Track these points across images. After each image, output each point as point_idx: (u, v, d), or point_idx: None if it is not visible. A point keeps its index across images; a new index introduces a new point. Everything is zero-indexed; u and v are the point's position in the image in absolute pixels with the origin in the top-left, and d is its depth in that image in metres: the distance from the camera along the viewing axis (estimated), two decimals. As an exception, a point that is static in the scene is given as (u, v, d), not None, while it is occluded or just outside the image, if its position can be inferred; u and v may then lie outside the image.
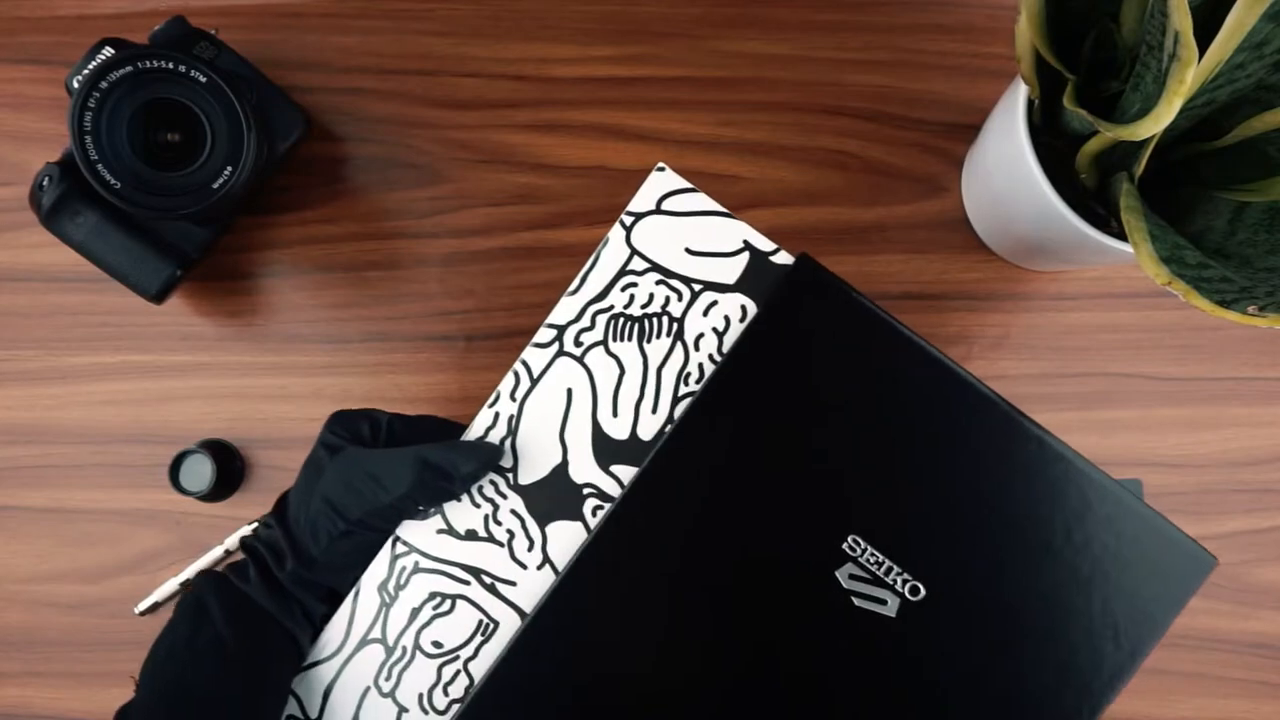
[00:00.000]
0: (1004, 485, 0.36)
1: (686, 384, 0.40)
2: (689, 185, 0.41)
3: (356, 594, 0.41)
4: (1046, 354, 0.55)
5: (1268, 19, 0.33)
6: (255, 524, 0.54)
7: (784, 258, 0.40)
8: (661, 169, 0.41)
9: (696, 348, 0.41)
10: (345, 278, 0.55)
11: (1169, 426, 0.55)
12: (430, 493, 0.39)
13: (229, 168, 0.47)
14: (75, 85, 0.47)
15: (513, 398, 0.41)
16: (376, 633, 0.41)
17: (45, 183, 0.49)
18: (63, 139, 0.48)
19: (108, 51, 0.47)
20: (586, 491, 0.40)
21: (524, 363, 0.41)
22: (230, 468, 0.54)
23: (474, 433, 0.41)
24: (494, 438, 0.41)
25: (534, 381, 0.41)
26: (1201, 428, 0.55)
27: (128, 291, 0.51)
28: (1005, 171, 0.46)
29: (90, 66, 0.46)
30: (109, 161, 0.46)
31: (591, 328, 0.41)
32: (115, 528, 0.55)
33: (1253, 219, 0.41)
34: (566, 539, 0.40)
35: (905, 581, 0.36)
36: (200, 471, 0.53)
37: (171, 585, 0.54)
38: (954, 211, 0.55)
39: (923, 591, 0.36)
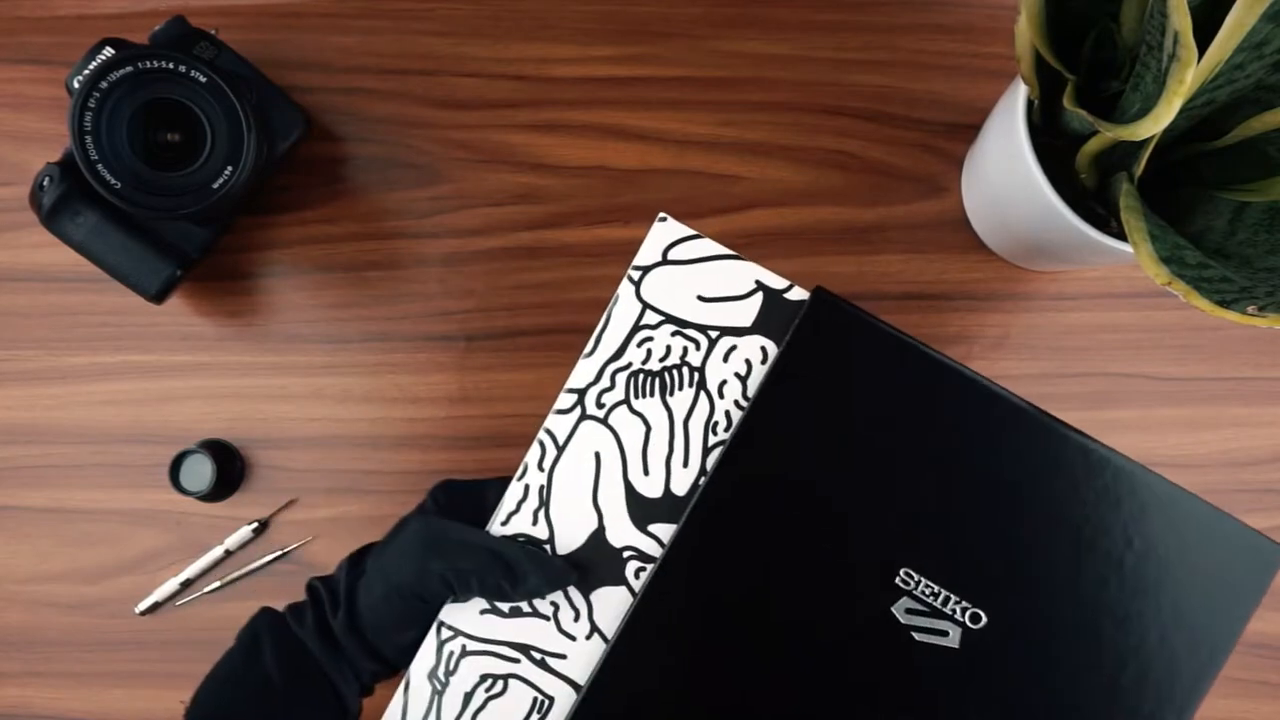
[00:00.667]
0: (1053, 498, 0.35)
1: (715, 433, 0.40)
2: (693, 232, 0.41)
3: (406, 685, 0.40)
4: (1046, 354, 0.55)
5: (1267, 19, 0.33)
6: (255, 523, 0.54)
7: (798, 294, 0.39)
8: (663, 219, 0.41)
9: (721, 395, 0.40)
10: (345, 278, 0.55)
11: (1169, 426, 0.55)
12: (488, 587, 0.39)
13: (229, 168, 0.47)
14: (75, 85, 0.47)
15: (540, 468, 0.40)
16: None
17: (45, 183, 0.49)
18: (63, 139, 0.48)
19: (108, 51, 0.47)
20: (627, 555, 0.40)
21: (548, 431, 0.40)
22: (230, 468, 0.54)
23: (505, 508, 0.40)
24: (526, 510, 0.40)
25: (560, 449, 0.40)
26: (1201, 428, 0.55)
27: (128, 291, 0.51)
28: (1005, 171, 0.46)
29: (90, 66, 0.46)
30: (109, 161, 0.46)
31: (612, 388, 0.40)
32: (115, 528, 0.55)
33: (1253, 219, 0.41)
34: (613, 605, 0.39)
35: (965, 610, 0.35)
36: (200, 471, 0.53)
37: (172, 585, 0.54)
38: (954, 211, 0.55)
39: (984, 618, 0.35)
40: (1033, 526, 0.35)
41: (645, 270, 0.41)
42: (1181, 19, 0.31)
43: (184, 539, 0.55)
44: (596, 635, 0.40)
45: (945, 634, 0.35)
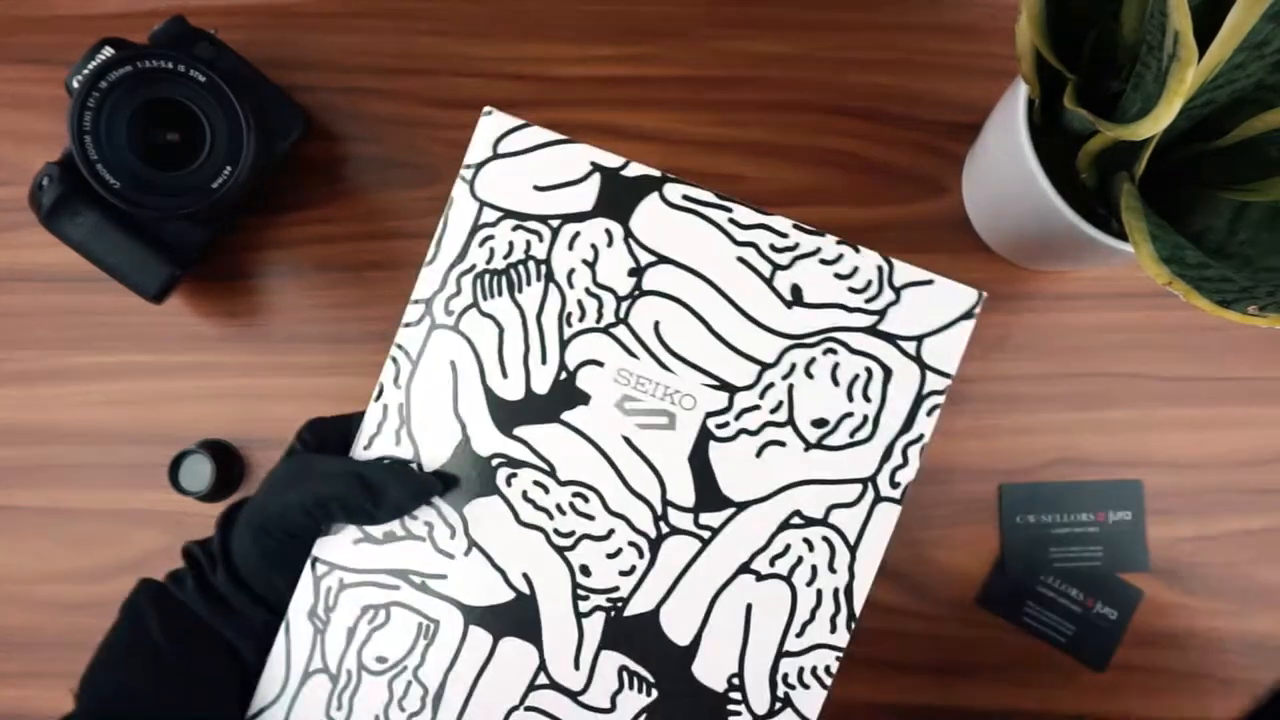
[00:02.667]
0: None
1: (570, 325, 0.39)
2: (521, 122, 0.39)
3: (287, 627, 0.39)
4: (1046, 354, 0.55)
5: (1268, 19, 0.33)
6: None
7: (635, 169, 0.39)
8: (489, 112, 0.39)
9: (571, 284, 0.39)
10: (345, 278, 0.55)
11: (1169, 426, 0.55)
12: (351, 509, 0.38)
13: (229, 167, 0.47)
14: (75, 85, 0.47)
15: (397, 384, 0.39)
16: (317, 662, 0.39)
17: (45, 183, 0.49)
18: (63, 139, 0.48)
19: (107, 51, 0.47)
20: (496, 462, 0.39)
21: (399, 346, 0.39)
22: (230, 468, 0.54)
23: (366, 431, 0.40)
24: (387, 430, 0.39)
25: (414, 362, 0.39)
26: (1201, 428, 0.55)
27: (128, 291, 0.51)
28: (1006, 171, 0.46)
29: (90, 66, 0.46)
30: (109, 161, 0.46)
31: (458, 293, 0.39)
32: (115, 528, 0.55)
33: (1253, 219, 0.41)
34: (487, 517, 0.39)
35: None
36: (200, 471, 0.53)
37: (171, 585, 0.54)
38: (954, 211, 0.55)
39: None
40: None
41: (477, 167, 0.39)
42: (1182, 19, 0.31)
43: (184, 539, 0.54)
44: (475, 550, 0.39)
45: None
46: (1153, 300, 0.55)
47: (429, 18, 0.56)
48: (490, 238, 0.39)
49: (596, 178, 0.39)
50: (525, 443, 0.39)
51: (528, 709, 0.39)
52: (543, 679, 0.39)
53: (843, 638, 0.38)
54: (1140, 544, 0.54)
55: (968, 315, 0.38)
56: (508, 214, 0.39)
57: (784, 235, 0.39)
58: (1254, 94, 0.39)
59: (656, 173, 0.39)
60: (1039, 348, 0.55)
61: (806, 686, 0.39)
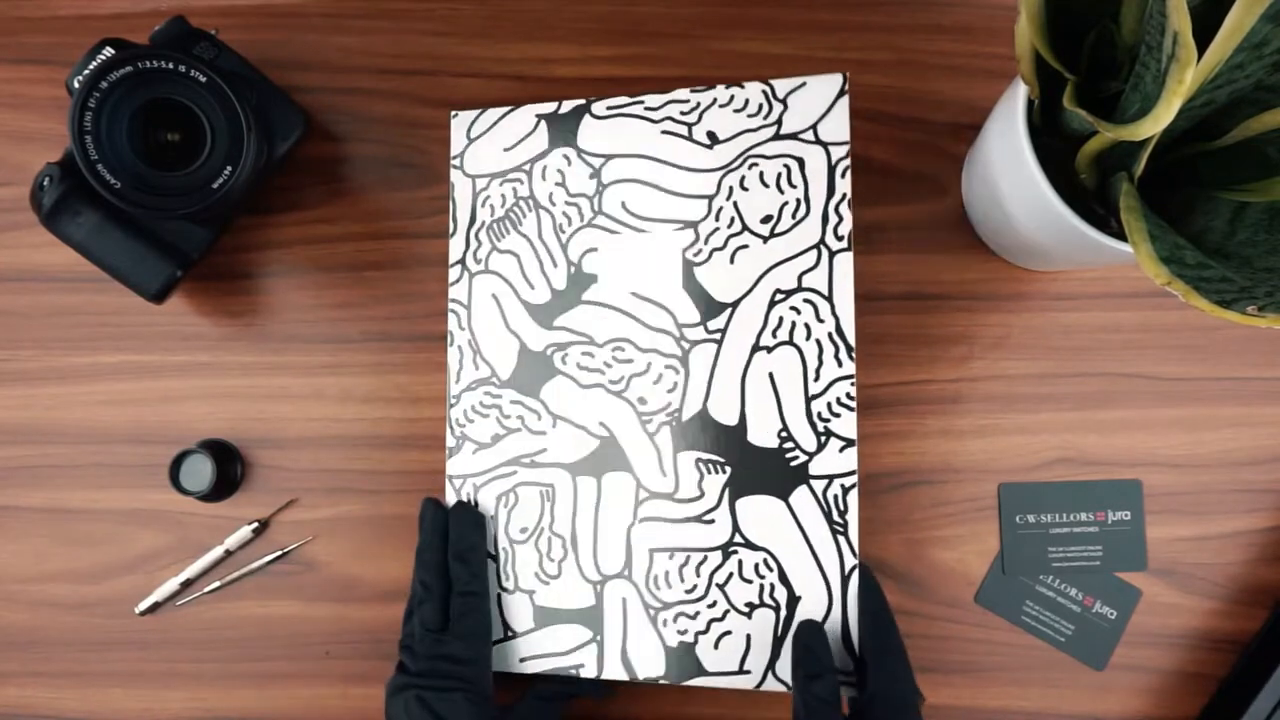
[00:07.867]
0: None
1: (564, 232, 0.50)
2: (478, 110, 0.52)
3: None
4: (1046, 354, 0.55)
5: (1267, 20, 0.33)
6: (255, 523, 0.54)
7: (567, 105, 0.51)
8: (455, 114, 0.53)
9: (553, 203, 0.50)
10: (345, 278, 0.55)
11: (1169, 426, 0.55)
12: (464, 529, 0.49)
13: (229, 168, 0.47)
14: (75, 85, 0.47)
15: (461, 328, 0.51)
16: None
17: (46, 183, 0.49)
18: (63, 139, 0.48)
19: (108, 52, 0.47)
20: (549, 351, 0.50)
21: (453, 299, 0.51)
22: (230, 468, 0.54)
23: (453, 369, 0.51)
24: (467, 362, 0.51)
25: (467, 307, 0.51)
26: (1201, 428, 0.55)
27: (128, 291, 0.51)
28: (1005, 171, 0.46)
29: (90, 67, 0.46)
30: (109, 161, 0.46)
31: (480, 245, 0.51)
32: (115, 528, 0.55)
33: (1252, 219, 0.41)
34: (559, 394, 0.50)
35: None
36: (200, 471, 0.53)
37: (172, 585, 0.54)
38: (954, 211, 0.55)
39: None
40: None
41: (460, 155, 0.52)
42: (1181, 19, 0.31)
43: (184, 539, 0.55)
44: (559, 421, 0.50)
45: None
46: (1152, 300, 0.55)
47: (429, 18, 0.56)
48: (488, 197, 0.51)
49: (543, 124, 0.51)
50: (565, 328, 0.50)
51: (642, 521, 0.48)
52: (643, 494, 0.48)
53: (849, 367, 0.47)
54: (1139, 544, 0.54)
55: (841, 94, 0.48)
56: (493, 176, 0.51)
57: (685, 101, 0.50)
58: (1253, 94, 0.39)
59: (582, 100, 0.51)
60: (1039, 348, 0.55)
61: (838, 415, 0.47)
